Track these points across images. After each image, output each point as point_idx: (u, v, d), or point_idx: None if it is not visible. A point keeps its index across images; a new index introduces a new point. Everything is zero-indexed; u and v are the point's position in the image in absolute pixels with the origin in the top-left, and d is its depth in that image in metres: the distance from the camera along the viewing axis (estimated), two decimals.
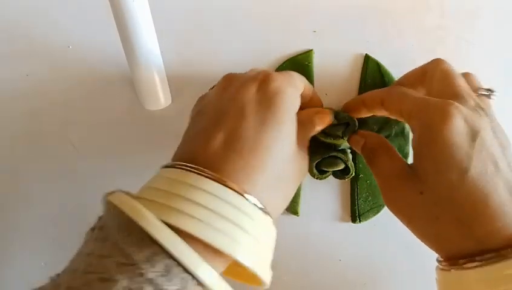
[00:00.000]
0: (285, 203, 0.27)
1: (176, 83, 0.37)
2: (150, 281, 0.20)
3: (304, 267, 0.37)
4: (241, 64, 0.37)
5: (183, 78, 0.37)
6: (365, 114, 0.34)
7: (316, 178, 0.34)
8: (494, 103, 0.31)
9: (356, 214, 0.37)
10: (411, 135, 0.36)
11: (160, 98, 0.36)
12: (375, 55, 0.37)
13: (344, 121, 0.33)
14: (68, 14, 0.37)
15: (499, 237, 0.24)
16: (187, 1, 0.37)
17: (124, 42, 0.32)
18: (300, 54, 0.37)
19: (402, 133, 0.37)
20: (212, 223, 0.21)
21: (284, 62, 0.37)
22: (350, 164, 0.34)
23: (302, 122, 0.29)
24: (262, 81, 0.26)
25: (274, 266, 0.37)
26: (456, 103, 0.26)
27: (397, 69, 0.36)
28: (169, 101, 0.37)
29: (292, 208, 0.37)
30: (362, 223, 0.37)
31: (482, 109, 0.27)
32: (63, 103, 0.37)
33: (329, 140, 0.33)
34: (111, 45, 0.36)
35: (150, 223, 0.21)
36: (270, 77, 0.27)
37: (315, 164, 0.34)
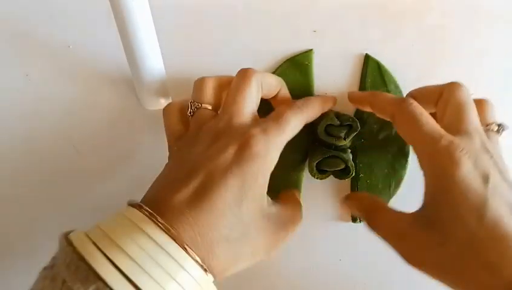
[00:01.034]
0: (237, 263, 0.27)
1: (176, 83, 0.37)
2: None
3: (304, 267, 0.37)
4: (241, 64, 0.37)
5: (183, 78, 0.37)
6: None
7: (316, 178, 0.35)
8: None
9: None
10: None
11: (160, 98, 0.36)
12: (375, 55, 0.37)
13: (347, 123, 0.33)
14: (68, 14, 0.38)
15: None
16: (187, 1, 0.37)
17: (124, 42, 0.32)
18: (300, 54, 0.37)
19: None
20: (147, 270, 0.22)
21: (284, 62, 0.37)
22: (350, 164, 0.34)
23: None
24: (242, 144, 0.26)
25: (274, 265, 0.37)
26: (462, 146, 0.26)
27: (397, 69, 0.36)
28: (169, 101, 0.37)
29: None
30: (362, 223, 0.37)
31: (488, 150, 0.27)
32: (63, 102, 0.37)
33: (331, 140, 0.33)
34: (111, 45, 0.36)
35: (96, 260, 0.22)
36: (251, 141, 0.26)
37: (315, 163, 0.34)
